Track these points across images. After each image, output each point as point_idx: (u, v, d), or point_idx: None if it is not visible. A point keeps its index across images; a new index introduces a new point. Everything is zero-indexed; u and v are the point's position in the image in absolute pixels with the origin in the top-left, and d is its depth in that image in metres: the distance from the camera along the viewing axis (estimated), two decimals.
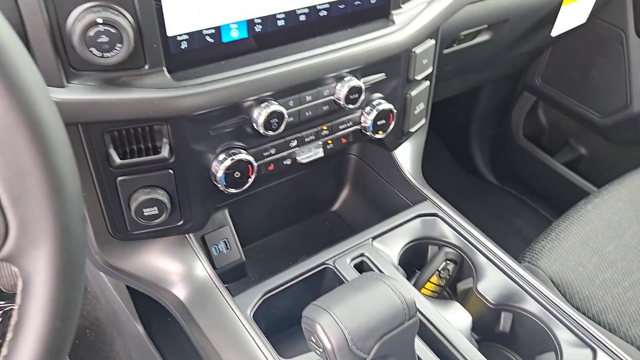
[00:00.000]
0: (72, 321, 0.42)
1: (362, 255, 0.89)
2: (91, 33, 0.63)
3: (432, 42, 0.98)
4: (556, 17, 1.26)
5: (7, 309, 1.41)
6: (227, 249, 1.01)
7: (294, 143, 0.86)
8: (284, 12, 0.79)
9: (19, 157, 0.35)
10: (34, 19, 0.61)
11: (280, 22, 0.79)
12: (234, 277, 1.03)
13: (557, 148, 1.82)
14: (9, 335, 0.41)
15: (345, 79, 0.85)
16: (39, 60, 0.64)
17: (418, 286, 0.93)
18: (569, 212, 1.16)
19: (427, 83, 1.03)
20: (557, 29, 1.29)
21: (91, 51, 0.64)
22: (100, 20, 0.62)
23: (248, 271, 1.05)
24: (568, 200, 1.28)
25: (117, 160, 0.71)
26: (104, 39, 0.63)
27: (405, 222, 0.96)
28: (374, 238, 0.92)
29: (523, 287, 0.86)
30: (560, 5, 1.24)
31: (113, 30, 0.63)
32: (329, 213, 1.21)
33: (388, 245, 0.92)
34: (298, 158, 0.88)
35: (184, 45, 0.72)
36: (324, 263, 0.88)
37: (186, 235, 0.87)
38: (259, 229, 1.14)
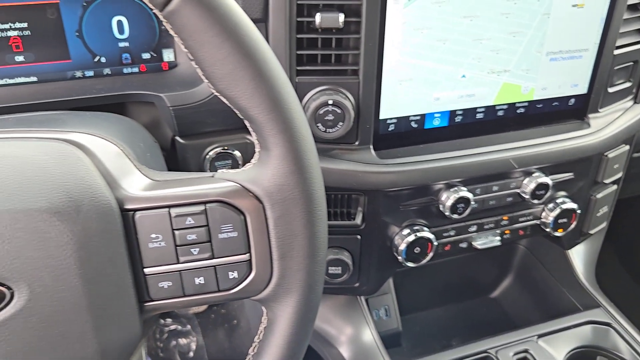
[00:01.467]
0: None
1: (526, 351, 0.88)
2: (321, 111, 0.73)
3: (626, 147, 0.97)
4: None
5: (173, 328, 1.57)
6: (387, 316, 1.05)
7: (474, 228, 0.90)
8: (484, 107, 0.84)
9: (293, 221, 0.43)
10: None
11: (479, 116, 0.85)
12: (388, 345, 1.06)
13: None
14: None
15: (533, 174, 0.87)
16: None
17: None
18: None
19: (615, 187, 1.01)
20: None
21: (317, 126, 0.74)
22: (330, 102, 0.73)
23: (402, 341, 1.07)
24: None
25: None
26: (330, 117, 0.73)
27: (574, 326, 0.93)
28: (539, 336, 0.91)
29: None
30: None
31: (338, 111, 0.73)
32: (487, 299, 1.21)
33: (554, 346, 0.90)
34: (474, 243, 0.91)
35: (391, 127, 0.81)
36: (485, 351, 0.88)
37: (357, 297, 0.92)
38: (417, 302, 1.17)
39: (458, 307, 1.19)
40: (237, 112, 0.42)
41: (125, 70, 0.81)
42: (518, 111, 0.87)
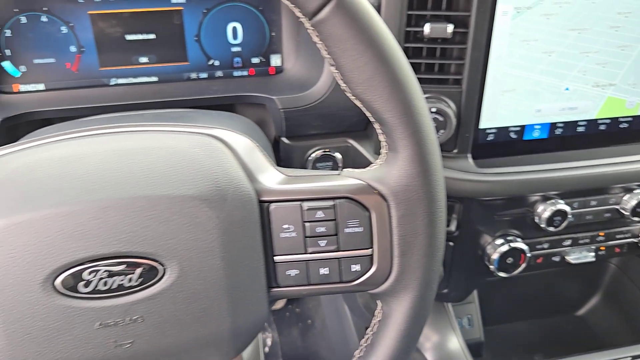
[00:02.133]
0: (408, 356, 0.51)
1: None
2: None
3: None
4: None
5: None
6: (470, 325, 1.05)
7: (568, 242, 0.89)
8: (586, 120, 0.83)
9: (415, 220, 0.46)
10: None
11: (580, 129, 0.84)
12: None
13: None
14: (357, 353, 0.51)
15: (634, 191, 0.86)
16: None
17: None
18: None
19: None
20: None
21: None
22: (434, 109, 0.74)
23: (483, 352, 1.07)
24: None
25: None
26: None
27: None
28: (634, 358, 0.88)
29: None
30: None
31: (440, 119, 0.75)
32: (573, 317, 1.18)
33: None
34: (567, 257, 0.90)
35: (490, 137, 0.81)
36: None
37: (444, 304, 0.93)
38: (500, 314, 1.16)
39: (542, 322, 1.17)
40: (368, 114, 0.45)
41: (235, 74, 0.87)
42: (621, 126, 0.85)
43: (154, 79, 0.84)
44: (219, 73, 0.86)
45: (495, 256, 0.84)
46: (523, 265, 0.86)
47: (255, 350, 0.71)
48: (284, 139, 0.81)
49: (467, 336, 1.05)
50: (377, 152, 0.82)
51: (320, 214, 0.46)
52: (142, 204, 0.42)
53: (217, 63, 0.85)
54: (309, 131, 0.80)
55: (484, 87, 0.77)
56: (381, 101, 0.43)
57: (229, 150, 0.47)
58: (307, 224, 0.46)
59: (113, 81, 0.83)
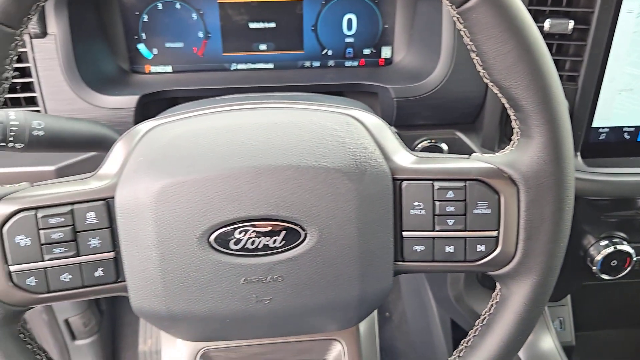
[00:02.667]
0: (523, 340, 0.52)
1: None
2: None
3: None
4: None
5: None
6: (561, 328, 1.04)
7: None
8: None
9: (544, 206, 0.47)
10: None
11: None
12: None
13: None
14: (472, 332, 0.53)
15: None
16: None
17: None
18: None
19: None
20: None
21: None
22: None
23: (573, 357, 1.05)
24: None
25: None
26: None
27: None
28: None
29: None
30: None
31: None
32: None
33: None
34: None
35: (602, 136, 0.80)
36: None
37: None
38: (592, 320, 1.13)
39: (637, 332, 1.13)
40: (504, 100, 0.47)
41: (346, 64, 0.90)
42: None
43: (271, 65, 0.89)
44: (331, 62, 0.90)
45: (598, 258, 0.83)
46: (627, 269, 0.84)
47: (372, 322, 0.74)
48: (393, 128, 0.84)
49: (559, 339, 1.04)
50: (484, 145, 0.83)
51: (450, 194, 0.48)
52: (291, 173, 0.46)
53: (330, 53, 0.89)
54: (417, 121, 0.82)
55: (601, 85, 0.76)
56: (520, 88, 0.45)
57: (365, 130, 0.50)
58: (437, 203, 0.49)
59: (234, 66, 0.89)
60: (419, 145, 0.84)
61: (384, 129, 0.52)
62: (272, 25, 0.86)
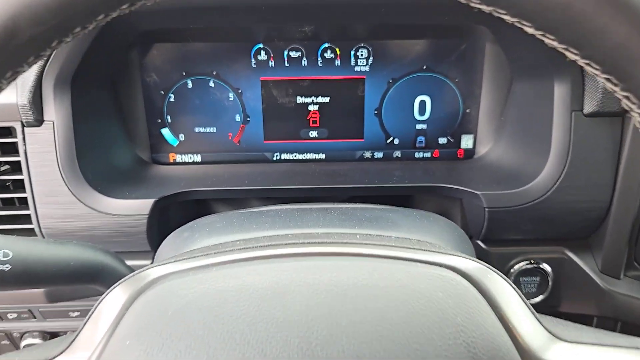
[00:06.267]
0: None
1: None
2: None
3: None
4: None
5: None
6: None
7: None
8: None
9: None
10: None
11: None
12: None
13: None
14: None
15: None
16: None
17: None
18: None
19: None
20: None
21: None
22: None
23: None
24: None
25: None
26: None
27: None
28: None
29: None
30: None
31: None
32: None
33: None
34: None
35: None
36: None
37: None
38: None
39: None
40: None
41: (416, 155, 0.72)
42: None
43: (322, 156, 0.72)
44: (397, 153, 0.72)
45: None
46: None
47: None
48: (480, 242, 0.64)
49: None
50: (604, 270, 0.62)
51: None
52: None
53: (396, 141, 0.72)
54: (513, 235, 0.62)
55: None
56: None
57: (475, 290, 0.31)
58: None
59: (276, 156, 0.72)
60: (515, 268, 0.63)
61: (501, 285, 0.33)
62: (325, 108, 0.70)
